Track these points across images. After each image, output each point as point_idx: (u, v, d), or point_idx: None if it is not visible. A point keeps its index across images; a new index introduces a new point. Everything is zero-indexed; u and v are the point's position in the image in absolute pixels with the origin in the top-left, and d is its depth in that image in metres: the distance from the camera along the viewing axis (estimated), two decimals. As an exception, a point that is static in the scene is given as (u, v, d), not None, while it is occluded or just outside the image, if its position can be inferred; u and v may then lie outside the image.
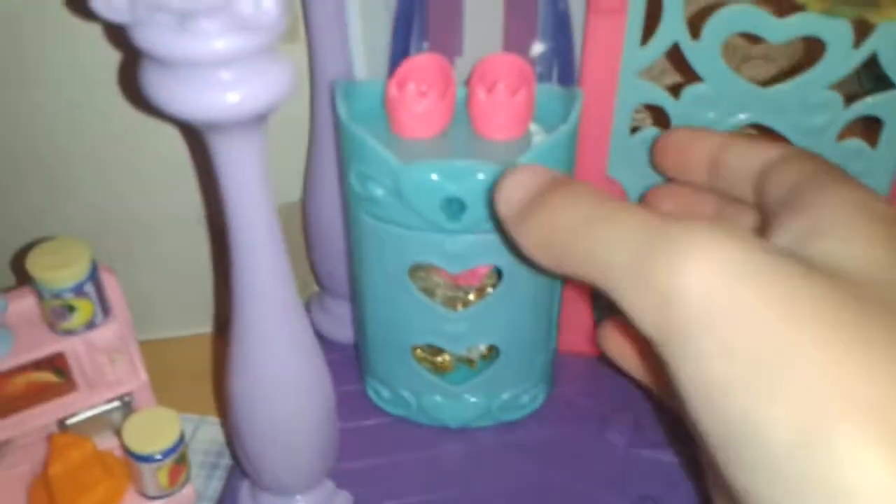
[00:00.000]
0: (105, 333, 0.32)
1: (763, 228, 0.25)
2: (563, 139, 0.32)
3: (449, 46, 0.37)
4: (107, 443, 0.35)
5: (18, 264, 0.43)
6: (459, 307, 0.37)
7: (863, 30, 0.32)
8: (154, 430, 0.32)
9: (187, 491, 0.34)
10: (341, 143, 0.34)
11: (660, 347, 0.21)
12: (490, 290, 0.36)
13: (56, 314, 0.31)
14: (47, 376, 0.32)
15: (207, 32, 0.22)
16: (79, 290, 0.31)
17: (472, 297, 0.37)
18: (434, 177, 0.31)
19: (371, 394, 0.41)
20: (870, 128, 0.35)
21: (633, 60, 0.34)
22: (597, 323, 0.40)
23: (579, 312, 0.42)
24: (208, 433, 0.45)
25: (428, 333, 0.37)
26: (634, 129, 0.36)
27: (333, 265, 0.44)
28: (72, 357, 0.32)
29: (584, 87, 0.35)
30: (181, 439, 0.33)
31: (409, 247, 0.34)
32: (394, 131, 0.34)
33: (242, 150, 0.26)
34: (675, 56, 0.34)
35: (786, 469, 0.18)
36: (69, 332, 0.32)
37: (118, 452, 0.35)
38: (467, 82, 0.34)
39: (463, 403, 0.39)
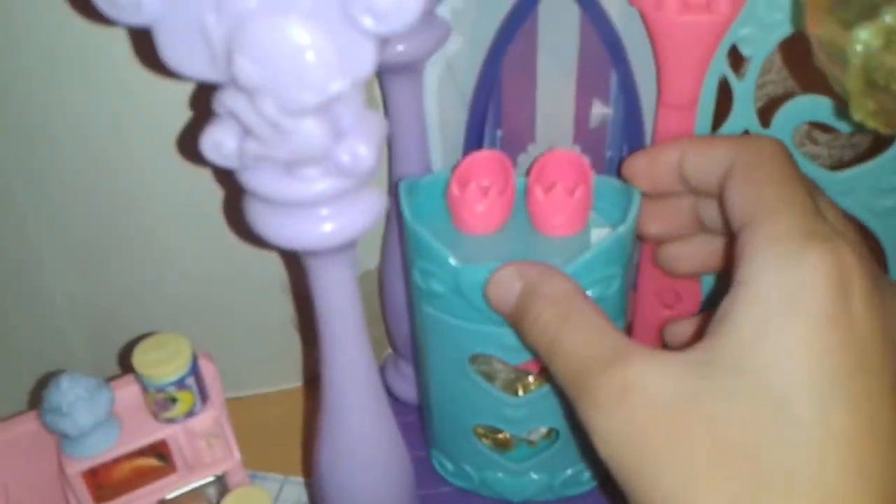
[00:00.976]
0: (203, 420, 0.35)
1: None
2: (622, 238, 0.32)
3: (522, 134, 0.38)
4: (202, 515, 0.37)
5: (124, 357, 0.45)
6: (520, 390, 0.37)
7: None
8: (249, 508, 0.34)
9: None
10: (405, 239, 0.35)
11: None
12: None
13: (159, 405, 0.33)
14: (150, 461, 0.34)
15: (310, 178, 0.24)
16: (181, 384, 0.33)
17: (532, 379, 0.37)
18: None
19: (436, 465, 0.42)
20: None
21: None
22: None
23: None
24: (292, 493, 0.47)
25: (489, 416, 0.38)
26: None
27: (406, 330, 0.45)
28: (173, 444, 0.34)
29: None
30: (273, 519, 0.34)
31: (469, 338, 0.35)
32: (455, 226, 0.35)
33: (335, 271, 0.28)
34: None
35: None
36: (171, 421, 0.34)
37: (213, 525, 0.37)
38: (527, 175, 0.35)
39: (525, 480, 0.39)
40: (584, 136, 0.38)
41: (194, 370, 0.33)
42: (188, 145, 0.39)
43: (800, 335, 0.22)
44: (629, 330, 0.42)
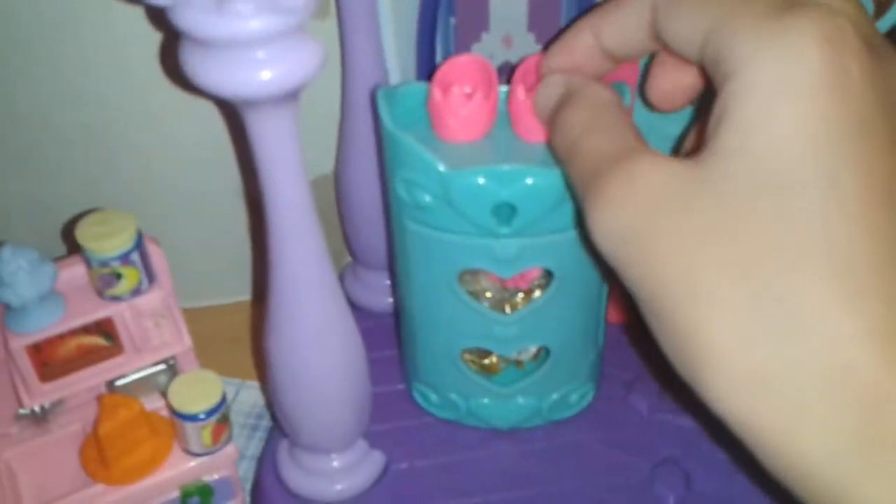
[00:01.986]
0: (150, 299, 0.34)
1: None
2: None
3: (475, 21, 0.38)
4: (152, 404, 0.37)
5: (67, 234, 0.45)
6: (507, 309, 0.36)
7: None
8: (198, 391, 0.34)
9: (229, 449, 0.36)
10: (385, 149, 0.33)
11: None
12: (538, 292, 0.36)
13: (104, 281, 0.33)
14: (96, 340, 0.34)
15: (243, 14, 0.24)
16: (125, 259, 0.33)
17: (519, 299, 0.37)
18: (484, 182, 0.31)
19: (418, 397, 0.41)
20: None
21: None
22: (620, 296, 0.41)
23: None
24: (249, 396, 0.47)
25: (478, 337, 0.37)
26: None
27: (366, 236, 0.45)
28: (119, 322, 0.34)
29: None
30: (223, 400, 0.34)
31: (458, 253, 0.34)
32: (437, 135, 0.33)
33: (276, 125, 0.27)
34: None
35: None
36: (116, 299, 0.34)
37: (163, 413, 0.37)
38: (509, 82, 0.34)
39: (512, 405, 0.39)
40: (539, 24, 0.37)
41: (139, 246, 0.33)
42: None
43: (797, 108, 0.21)
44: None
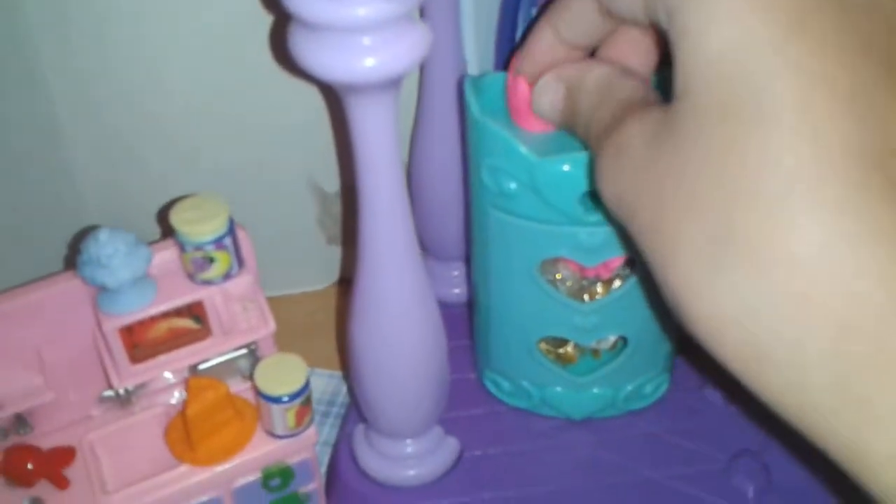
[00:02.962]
0: (240, 284, 0.35)
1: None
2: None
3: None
4: (235, 387, 0.37)
5: (161, 219, 0.46)
6: (586, 298, 0.37)
7: None
8: (283, 374, 0.35)
9: (311, 431, 0.37)
10: (470, 137, 0.34)
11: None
12: (618, 281, 0.36)
13: (197, 265, 0.34)
14: (187, 323, 0.35)
15: (352, 1, 0.24)
16: (219, 243, 0.33)
17: (599, 288, 0.37)
18: (571, 170, 0.31)
19: (490, 385, 0.41)
20: None
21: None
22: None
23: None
24: (318, 384, 0.48)
25: (557, 326, 0.37)
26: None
27: (436, 228, 0.45)
28: (209, 305, 0.35)
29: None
30: (307, 384, 0.35)
31: (541, 241, 0.34)
32: (516, 123, 0.33)
33: (376, 111, 0.28)
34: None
35: None
36: (208, 282, 0.35)
37: (246, 395, 0.37)
38: None
39: (587, 395, 0.39)
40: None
41: (231, 231, 0.34)
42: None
43: (728, 31, 0.21)
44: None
